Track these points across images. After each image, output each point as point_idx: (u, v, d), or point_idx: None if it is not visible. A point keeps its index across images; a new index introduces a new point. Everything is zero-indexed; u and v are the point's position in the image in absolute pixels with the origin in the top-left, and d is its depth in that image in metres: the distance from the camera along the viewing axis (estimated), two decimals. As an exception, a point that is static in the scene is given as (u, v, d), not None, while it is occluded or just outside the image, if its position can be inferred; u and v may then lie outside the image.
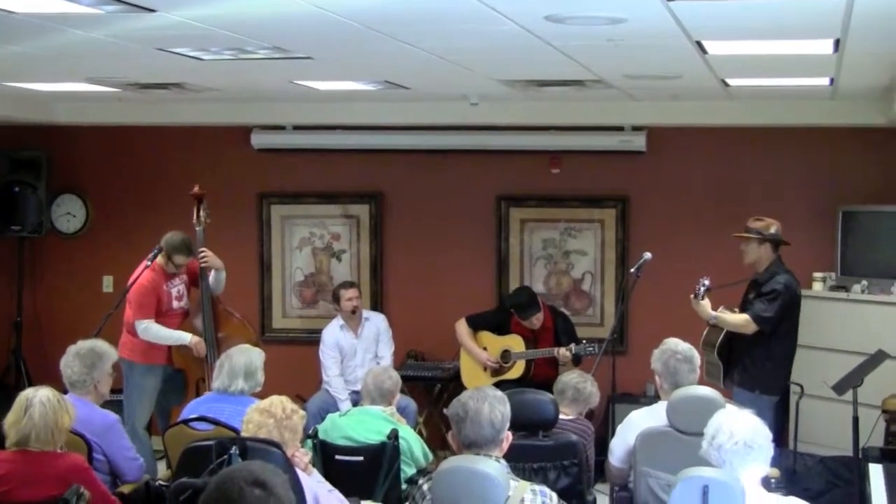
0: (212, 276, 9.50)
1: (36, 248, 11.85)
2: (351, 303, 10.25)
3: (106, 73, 8.39)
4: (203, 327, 9.37)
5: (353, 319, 10.31)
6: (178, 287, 9.38)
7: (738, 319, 8.57)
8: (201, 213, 9.55)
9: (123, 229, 11.45)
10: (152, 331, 9.15)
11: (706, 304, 8.54)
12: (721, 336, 8.62)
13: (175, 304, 9.35)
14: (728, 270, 9.14)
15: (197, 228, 9.51)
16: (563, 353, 9.67)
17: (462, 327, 10.26)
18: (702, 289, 8.50)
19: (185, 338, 9.24)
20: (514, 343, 10.02)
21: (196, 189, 9.59)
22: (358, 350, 10.29)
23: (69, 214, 11.82)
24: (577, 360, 9.74)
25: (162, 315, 9.23)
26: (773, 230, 8.74)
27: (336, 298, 10.36)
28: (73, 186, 11.78)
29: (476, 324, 10.28)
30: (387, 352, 10.36)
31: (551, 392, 7.67)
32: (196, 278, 9.55)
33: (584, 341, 9.76)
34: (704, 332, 8.73)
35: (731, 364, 8.69)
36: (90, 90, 9.39)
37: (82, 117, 11.15)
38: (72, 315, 11.33)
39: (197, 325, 9.42)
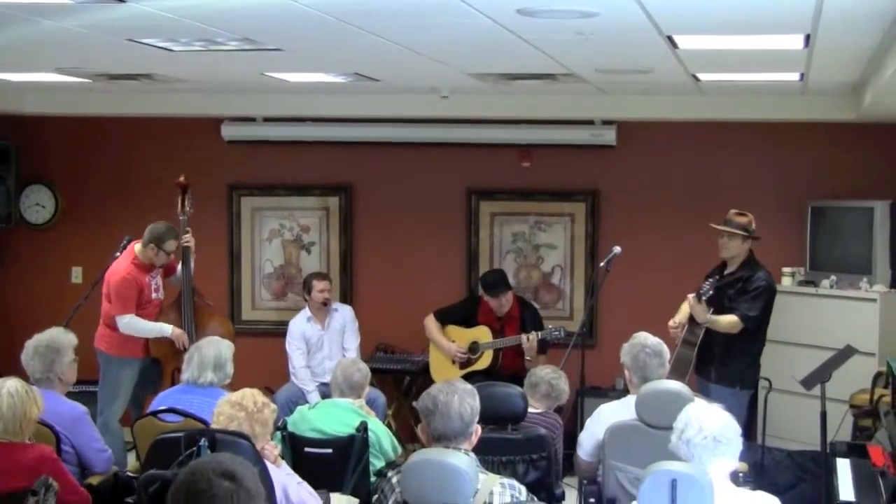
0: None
1: (4, 239, 11.80)
2: (322, 294, 10.26)
3: (76, 63, 8.35)
4: (183, 315, 9.34)
5: (322, 311, 10.31)
6: (155, 279, 9.34)
7: (729, 321, 8.53)
8: (186, 202, 9.51)
9: (92, 220, 11.42)
10: (133, 324, 9.10)
11: (704, 305, 8.50)
12: (702, 334, 8.58)
13: (154, 295, 9.33)
14: (697, 264, 9.18)
15: (181, 218, 9.46)
16: (530, 337, 9.66)
17: (430, 322, 10.27)
18: (710, 290, 8.44)
19: (167, 330, 9.18)
20: (482, 334, 10.03)
21: (182, 178, 9.55)
22: (325, 342, 10.29)
23: (38, 205, 11.77)
24: (542, 349, 9.75)
25: (141, 306, 9.19)
26: (753, 226, 8.74)
27: (307, 288, 10.36)
28: (42, 177, 11.73)
29: (444, 317, 10.29)
30: (352, 343, 10.38)
31: (520, 383, 7.70)
32: (170, 271, 9.53)
33: (550, 327, 9.77)
34: (684, 330, 8.66)
35: (706, 360, 8.65)
36: (60, 80, 9.35)
37: (52, 108, 11.09)
38: (40, 306, 11.27)
39: (176, 313, 9.38)
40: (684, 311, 8.80)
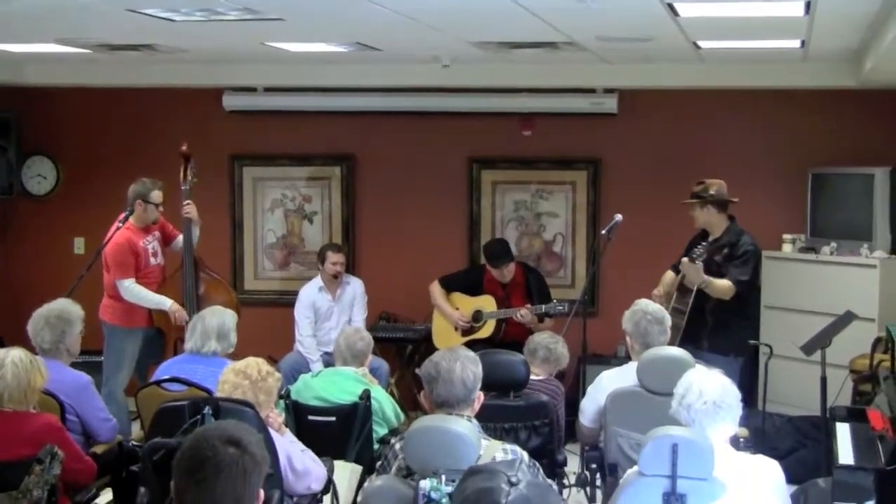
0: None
1: (6, 211, 11.82)
2: (335, 267, 10.29)
3: (76, 34, 8.36)
4: (185, 287, 9.36)
5: (334, 283, 10.34)
6: (152, 244, 9.32)
7: (723, 284, 8.50)
8: (188, 172, 9.50)
9: (94, 191, 11.42)
10: (134, 291, 9.11)
11: (700, 266, 8.47)
12: (691, 301, 8.58)
13: (152, 260, 9.32)
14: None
15: (183, 188, 9.45)
16: (522, 313, 9.69)
17: (435, 289, 10.30)
18: (703, 254, 8.42)
19: (166, 303, 9.18)
20: (486, 303, 10.05)
21: (184, 147, 9.52)
22: (334, 312, 10.33)
23: (40, 176, 11.79)
24: (541, 319, 9.78)
25: (140, 271, 9.19)
26: (712, 191, 8.69)
27: (322, 258, 10.38)
28: (43, 148, 11.75)
29: (448, 284, 10.31)
30: (359, 316, 10.40)
31: (522, 351, 7.73)
32: (169, 238, 9.55)
33: (554, 301, 9.79)
34: (673, 299, 8.68)
35: (697, 329, 8.62)
36: (61, 51, 9.35)
37: (53, 78, 11.11)
38: (43, 277, 11.32)
39: (179, 283, 9.39)
40: (667, 280, 8.82)
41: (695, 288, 8.53)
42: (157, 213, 9.29)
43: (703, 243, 8.54)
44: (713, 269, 8.59)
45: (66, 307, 7.20)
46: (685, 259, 8.47)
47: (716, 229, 8.77)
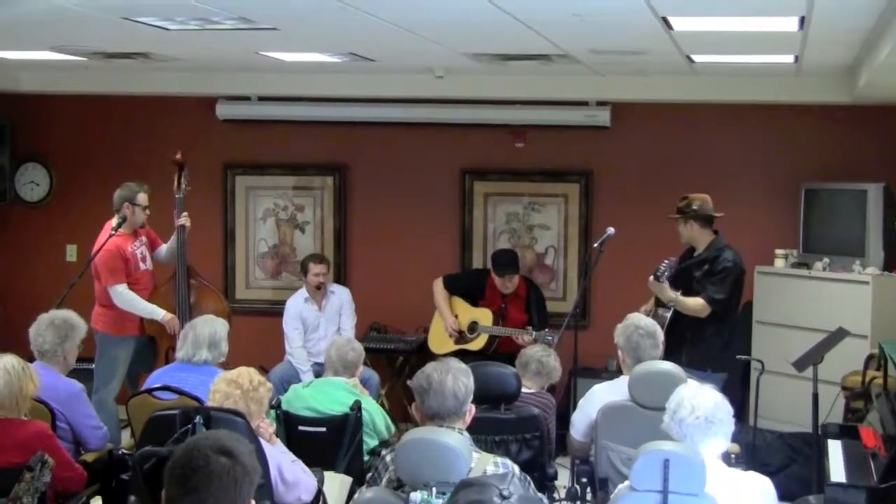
0: (171, 240, 9.51)
1: (-1, 217, 11.82)
2: (318, 278, 10.27)
3: (71, 41, 8.35)
4: (178, 296, 9.34)
5: (318, 294, 10.33)
6: (140, 249, 9.32)
7: (695, 303, 8.47)
8: (182, 180, 9.51)
9: (87, 198, 11.39)
10: (127, 297, 9.11)
11: (666, 285, 8.46)
12: (669, 316, 8.55)
13: (141, 265, 9.32)
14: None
15: (178, 196, 9.46)
16: (524, 339, 9.64)
17: (438, 288, 10.27)
18: (667, 271, 8.41)
19: (158, 314, 9.17)
20: (483, 317, 10.03)
21: (178, 156, 9.55)
22: (321, 323, 10.31)
23: (33, 183, 11.78)
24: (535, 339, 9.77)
25: (130, 276, 9.18)
26: (695, 206, 8.66)
27: (304, 270, 10.37)
28: (37, 155, 11.74)
29: (452, 285, 10.30)
30: (348, 324, 10.39)
31: (514, 365, 7.72)
32: (152, 247, 9.54)
33: (545, 330, 9.72)
34: (652, 313, 8.63)
35: (677, 344, 8.56)
36: (55, 59, 9.34)
37: (47, 86, 11.09)
38: (34, 284, 11.31)
39: (171, 291, 9.39)
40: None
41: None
42: (144, 216, 9.29)
43: (667, 261, 8.48)
44: (693, 285, 8.56)
45: (73, 316, 7.26)
46: (651, 278, 8.45)
47: (700, 244, 8.75)
